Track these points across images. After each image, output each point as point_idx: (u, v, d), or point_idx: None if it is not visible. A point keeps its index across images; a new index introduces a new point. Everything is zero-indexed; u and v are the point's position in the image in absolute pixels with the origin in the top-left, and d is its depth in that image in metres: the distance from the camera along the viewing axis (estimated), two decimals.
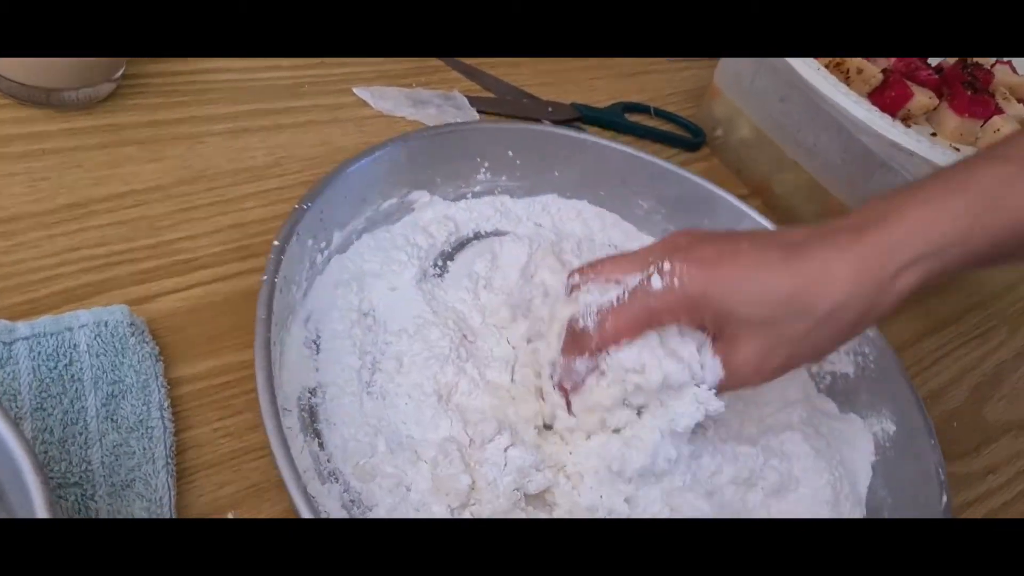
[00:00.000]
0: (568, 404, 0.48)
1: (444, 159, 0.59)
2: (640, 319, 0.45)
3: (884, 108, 0.65)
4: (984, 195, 0.43)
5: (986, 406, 0.68)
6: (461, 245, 0.59)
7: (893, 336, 0.68)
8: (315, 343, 0.50)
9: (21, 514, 0.31)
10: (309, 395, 0.48)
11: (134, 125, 0.59)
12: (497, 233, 0.61)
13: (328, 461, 0.45)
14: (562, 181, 0.64)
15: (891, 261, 0.43)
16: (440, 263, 0.57)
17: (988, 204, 0.43)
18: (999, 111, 0.68)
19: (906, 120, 0.66)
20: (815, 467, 0.54)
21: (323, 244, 0.52)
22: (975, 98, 0.66)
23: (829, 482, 0.53)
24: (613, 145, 0.64)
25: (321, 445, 0.46)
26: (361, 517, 0.43)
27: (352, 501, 0.44)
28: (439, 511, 0.44)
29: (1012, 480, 0.63)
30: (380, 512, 0.44)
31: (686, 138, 0.78)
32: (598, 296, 0.46)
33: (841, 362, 0.60)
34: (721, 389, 0.46)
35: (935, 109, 0.67)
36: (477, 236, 0.60)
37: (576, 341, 0.46)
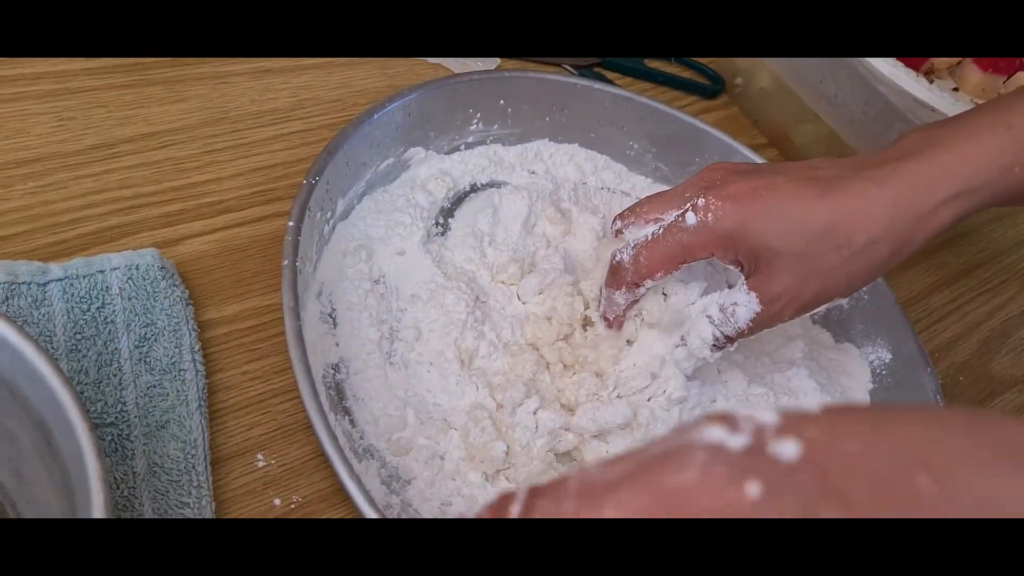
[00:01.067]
0: (610, 325, 0.52)
1: (438, 114, 0.58)
2: (674, 254, 0.46)
3: (908, 62, 0.65)
4: None
5: (993, 360, 0.69)
6: (459, 200, 0.59)
7: (904, 288, 0.70)
8: (331, 316, 0.50)
9: (66, 452, 0.32)
10: (333, 371, 0.48)
11: (159, 65, 0.59)
12: (493, 184, 0.61)
13: (361, 438, 0.46)
14: (553, 126, 0.64)
15: (930, 196, 0.43)
16: (441, 220, 0.57)
17: None
18: (1023, 67, 0.67)
19: (929, 74, 0.66)
20: (820, 399, 0.55)
21: (328, 215, 0.52)
22: None
23: None
24: (601, 87, 0.63)
25: (352, 422, 0.46)
26: (401, 491, 0.44)
27: (390, 476, 0.45)
28: (475, 478, 0.46)
29: None
30: (419, 484, 0.45)
31: (706, 85, 0.77)
32: (636, 233, 0.48)
33: None
34: (756, 324, 0.46)
35: (959, 63, 0.67)
36: (474, 189, 0.60)
37: (615, 275, 0.49)
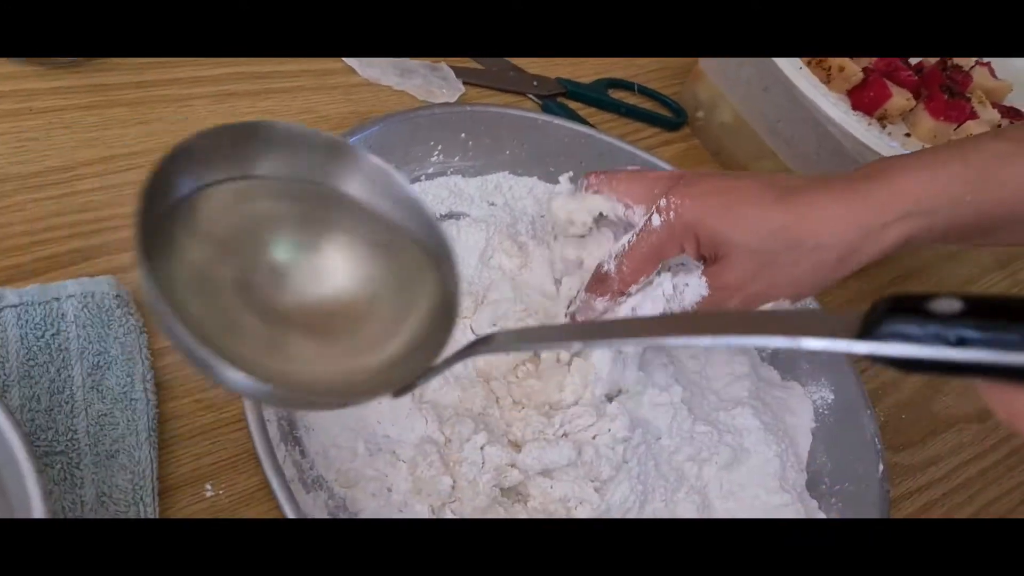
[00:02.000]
0: None
1: (399, 146, 0.59)
2: (649, 256, 0.49)
3: (863, 107, 0.67)
4: (980, 166, 0.46)
5: (935, 400, 0.71)
6: None
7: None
8: None
9: (9, 484, 0.33)
10: None
11: (122, 86, 0.59)
12: (452, 215, 0.62)
13: (311, 468, 0.47)
14: (512, 159, 0.65)
15: (880, 213, 0.46)
16: None
17: (982, 175, 0.46)
18: (974, 115, 0.69)
19: (883, 119, 0.68)
20: (764, 439, 0.57)
21: None
22: (951, 103, 0.67)
23: (777, 453, 0.56)
24: (561, 123, 0.65)
25: (302, 452, 0.47)
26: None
27: (337, 507, 0.46)
28: (421, 510, 0.47)
29: (951, 472, 0.67)
30: (366, 515, 0.46)
31: (668, 118, 0.79)
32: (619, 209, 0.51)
33: None
34: (701, 308, 0.49)
35: (911, 110, 0.68)
36: None
37: (602, 283, 0.52)
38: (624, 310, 0.52)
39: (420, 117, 0.59)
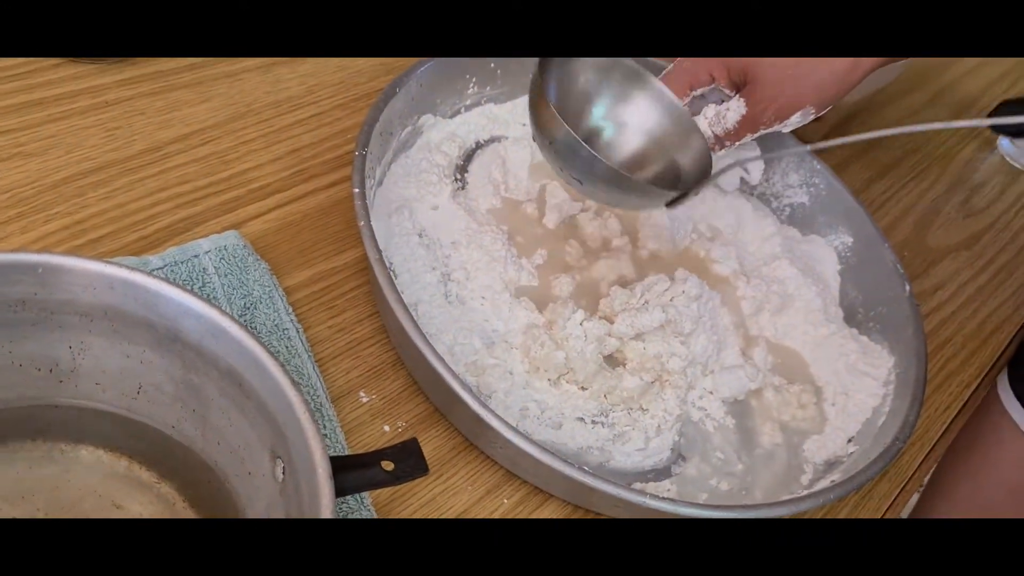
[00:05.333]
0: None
1: (443, 82, 0.65)
2: (683, 82, 0.58)
3: None
4: None
5: (928, 234, 0.80)
6: (469, 156, 0.67)
7: (846, 183, 0.80)
8: (392, 270, 0.56)
9: (260, 388, 0.39)
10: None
11: (176, 70, 0.64)
12: (494, 139, 0.69)
13: None
14: None
15: None
16: (458, 176, 0.65)
17: None
18: None
19: None
20: (804, 283, 0.66)
21: (371, 181, 0.57)
22: None
23: (816, 293, 0.65)
24: None
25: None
26: (486, 405, 0.48)
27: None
28: (541, 386, 0.54)
29: (955, 293, 0.76)
30: (499, 396, 0.52)
31: None
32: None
33: (796, 194, 0.72)
34: (742, 124, 0.56)
35: None
36: (479, 145, 0.68)
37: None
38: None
39: None
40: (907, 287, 0.63)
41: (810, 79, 0.54)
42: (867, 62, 0.54)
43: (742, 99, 0.56)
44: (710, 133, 0.58)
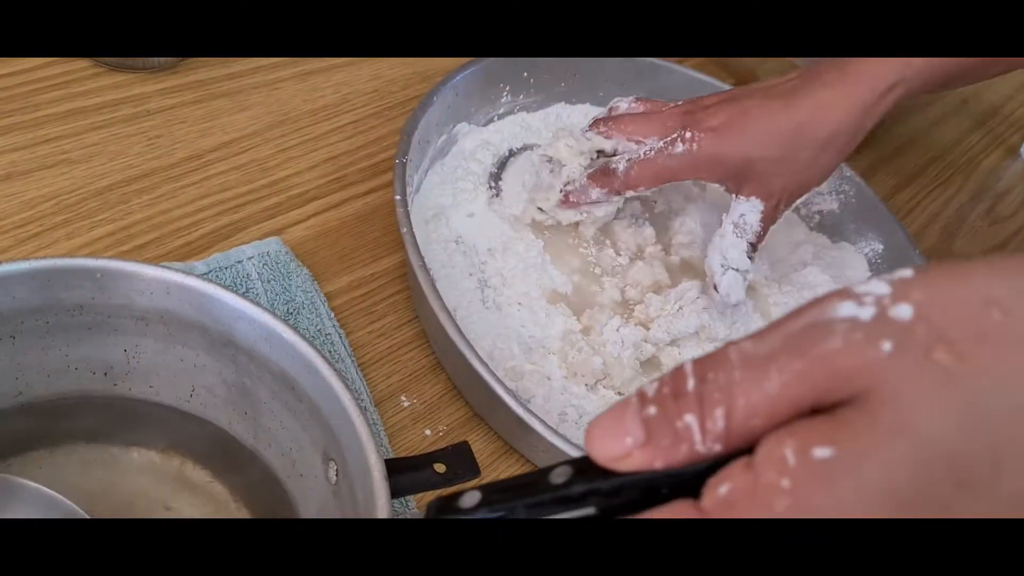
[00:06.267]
0: (564, 204, 0.59)
1: (477, 90, 0.66)
2: (661, 173, 0.55)
3: None
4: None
5: (954, 242, 0.80)
6: (503, 164, 0.67)
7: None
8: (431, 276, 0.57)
9: (312, 391, 0.39)
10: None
11: (216, 80, 0.65)
12: (525, 147, 0.69)
13: None
14: (568, 90, 0.72)
15: (874, 88, 0.53)
16: (493, 184, 0.65)
17: None
18: None
19: None
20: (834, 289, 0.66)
21: (410, 189, 0.57)
22: None
23: None
24: None
25: None
26: (528, 408, 0.49)
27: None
28: (578, 391, 0.54)
29: None
30: (538, 400, 0.53)
31: None
32: (616, 144, 0.57)
33: (826, 201, 0.72)
34: (764, 221, 0.56)
35: None
36: (512, 153, 0.68)
37: (605, 176, 0.57)
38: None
39: (490, 64, 0.66)
40: None
41: (810, 165, 0.54)
42: (864, 131, 0.54)
43: (754, 197, 0.55)
44: (744, 244, 0.56)
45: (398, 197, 0.53)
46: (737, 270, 0.57)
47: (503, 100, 0.68)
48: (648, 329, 0.58)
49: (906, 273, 0.25)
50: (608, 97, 0.72)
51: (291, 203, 0.60)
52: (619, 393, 0.56)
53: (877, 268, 0.69)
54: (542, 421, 0.47)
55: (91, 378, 0.42)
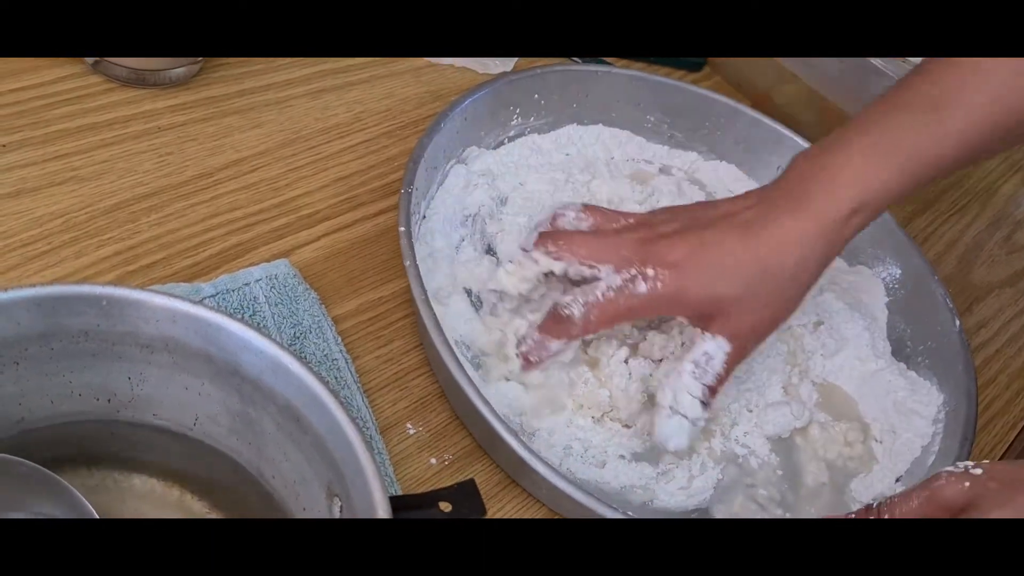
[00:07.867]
0: (525, 367, 0.53)
1: (487, 112, 0.65)
2: (623, 314, 0.51)
3: None
4: (898, 148, 0.51)
5: (972, 271, 0.79)
6: (503, 200, 0.65)
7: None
8: (436, 301, 0.55)
9: (318, 424, 0.39)
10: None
11: (228, 96, 0.64)
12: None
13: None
14: (579, 111, 0.72)
15: (834, 218, 0.50)
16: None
17: (904, 154, 0.51)
18: None
19: None
20: (851, 317, 0.65)
21: (416, 216, 0.56)
22: None
23: (864, 327, 0.65)
24: (617, 71, 0.72)
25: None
26: (529, 442, 0.50)
27: (517, 431, 0.50)
28: (585, 423, 0.54)
29: (999, 331, 0.75)
30: (542, 434, 0.52)
31: (691, 59, 0.86)
32: (587, 287, 0.51)
33: None
34: (729, 362, 0.51)
35: None
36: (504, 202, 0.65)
37: (560, 324, 0.51)
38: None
39: (501, 85, 0.65)
40: (957, 322, 0.63)
41: (777, 300, 0.51)
42: (829, 259, 0.52)
43: (719, 337, 0.51)
44: (700, 389, 0.51)
45: (402, 228, 0.52)
46: (686, 417, 0.51)
47: (514, 122, 0.68)
48: (656, 363, 0.57)
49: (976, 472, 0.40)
50: (620, 118, 0.72)
51: (301, 223, 0.59)
52: (626, 426, 0.55)
53: (895, 294, 0.68)
54: (542, 460, 0.46)
55: (94, 404, 0.42)
